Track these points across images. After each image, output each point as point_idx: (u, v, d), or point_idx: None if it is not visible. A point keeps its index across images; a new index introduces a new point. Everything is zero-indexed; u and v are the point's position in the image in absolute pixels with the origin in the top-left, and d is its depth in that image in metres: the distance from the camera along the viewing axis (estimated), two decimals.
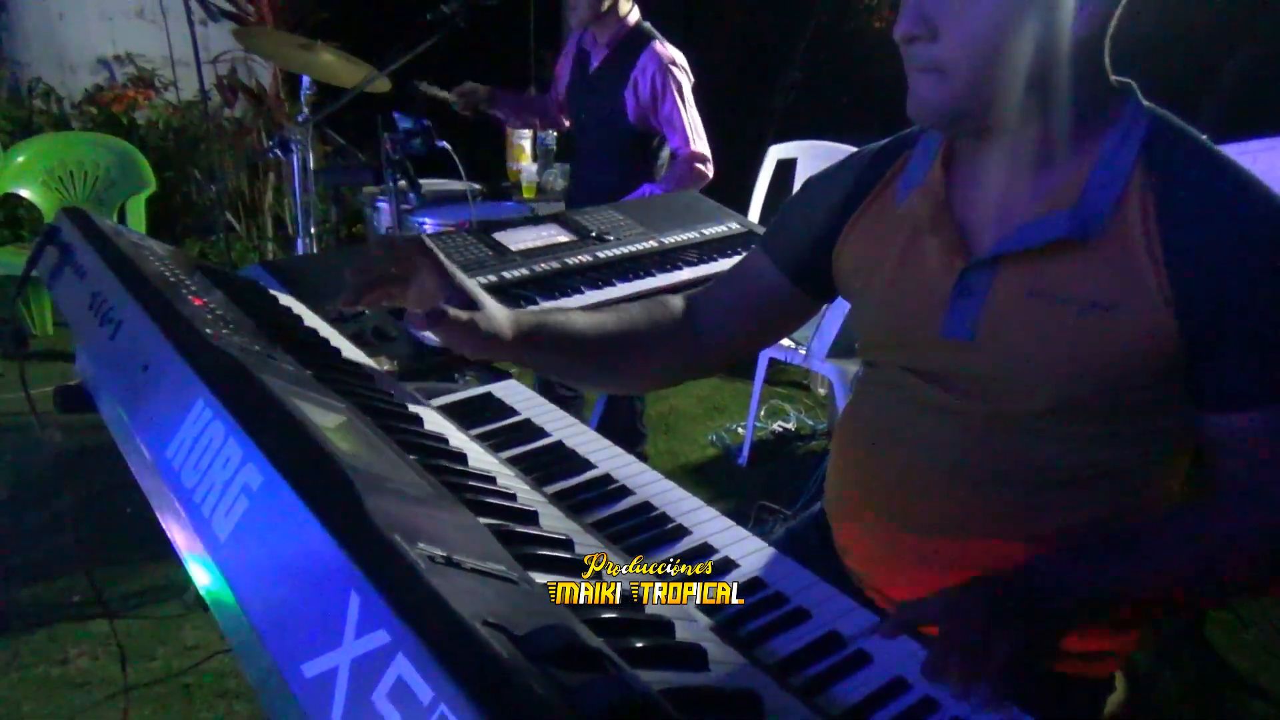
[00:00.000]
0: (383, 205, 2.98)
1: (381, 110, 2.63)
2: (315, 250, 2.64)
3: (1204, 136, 0.89)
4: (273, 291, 1.23)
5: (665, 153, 2.76)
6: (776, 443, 3.34)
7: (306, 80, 2.73)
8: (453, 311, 0.92)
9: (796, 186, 3.24)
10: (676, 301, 1.17)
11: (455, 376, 1.23)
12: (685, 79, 2.63)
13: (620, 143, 2.71)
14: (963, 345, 0.93)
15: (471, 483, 0.72)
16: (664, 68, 2.59)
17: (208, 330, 0.75)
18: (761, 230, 2.04)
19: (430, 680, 0.37)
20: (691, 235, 1.93)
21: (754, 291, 1.15)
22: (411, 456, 0.70)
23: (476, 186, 2.90)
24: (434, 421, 0.91)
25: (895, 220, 1.01)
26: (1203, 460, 0.92)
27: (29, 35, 4.97)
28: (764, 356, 3.02)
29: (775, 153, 3.37)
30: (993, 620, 0.74)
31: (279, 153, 2.46)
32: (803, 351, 2.85)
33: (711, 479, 3.06)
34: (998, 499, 0.94)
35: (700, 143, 2.64)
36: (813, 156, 3.28)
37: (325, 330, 1.12)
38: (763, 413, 3.41)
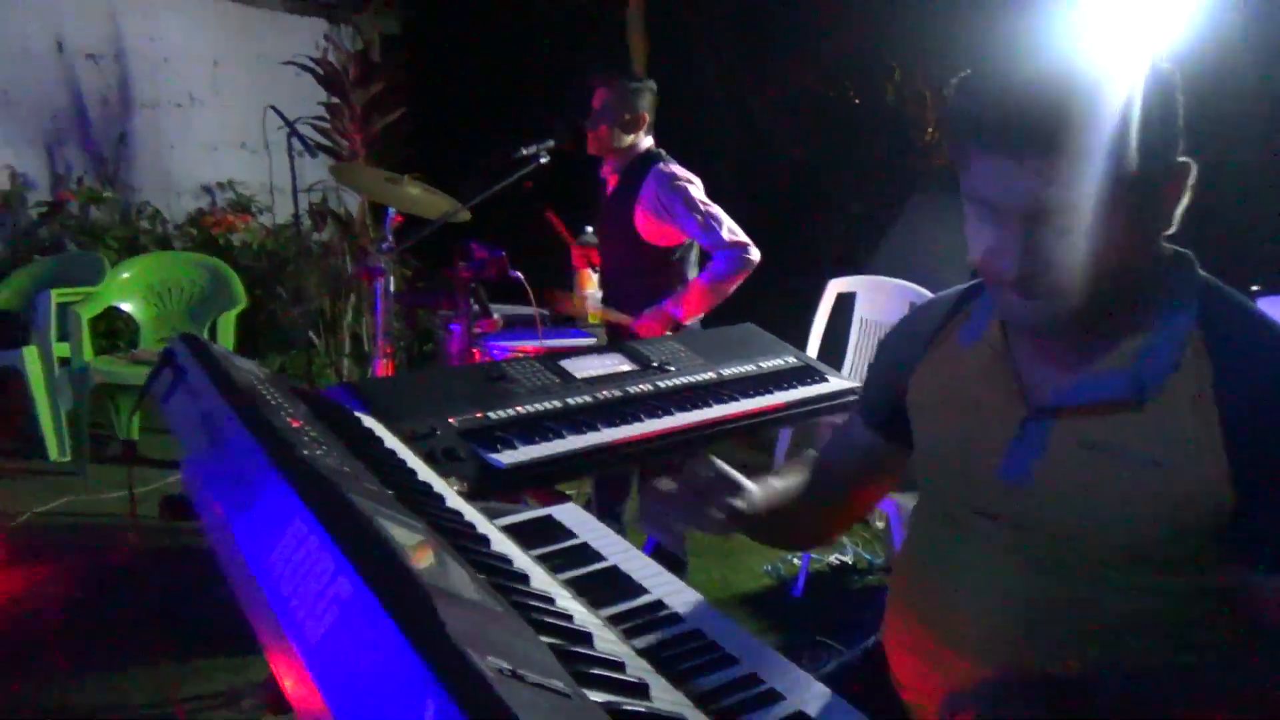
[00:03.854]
0: (455, 328, 3.13)
1: (460, 238, 2.81)
2: (390, 367, 2.78)
3: (1252, 303, 0.95)
4: (356, 413, 1.33)
5: (691, 258, 2.86)
6: (833, 575, 3.30)
7: (392, 211, 2.93)
8: (747, 510, 1.04)
9: (855, 319, 3.28)
10: (805, 470, 1.25)
11: (517, 500, 1.30)
12: (691, 187, 2.71)
13: (640, 261, 2.82)
14: (1021, 489, 0.97)
15: (533, 602, 0.78)
16: (667, 184, 2.69)
17: (304, 452, 0.83)
18: (815, 362, 2.11)
19: None
20: (749, 368, 1.99)
21: (850, 451, 1.24)
22: (481, 575, 0.76)
23: (544, 313, 3.03)
24: (499, 542, 0.98)
25: (959, 362, 1.07)
26: (1256, 622, 0.93)
27: (143, 163, 5.42)
28: None
29: (835, 286, 3.44)
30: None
31: (364, 279, 2.63)
32: None
33: (765, 610, 3.03)
34: (1052, 634, 0.95)
35: (734, 234, 2.69)
36: (872, 290, 3.34)
37: (402, 451, 1.21)
38: None
